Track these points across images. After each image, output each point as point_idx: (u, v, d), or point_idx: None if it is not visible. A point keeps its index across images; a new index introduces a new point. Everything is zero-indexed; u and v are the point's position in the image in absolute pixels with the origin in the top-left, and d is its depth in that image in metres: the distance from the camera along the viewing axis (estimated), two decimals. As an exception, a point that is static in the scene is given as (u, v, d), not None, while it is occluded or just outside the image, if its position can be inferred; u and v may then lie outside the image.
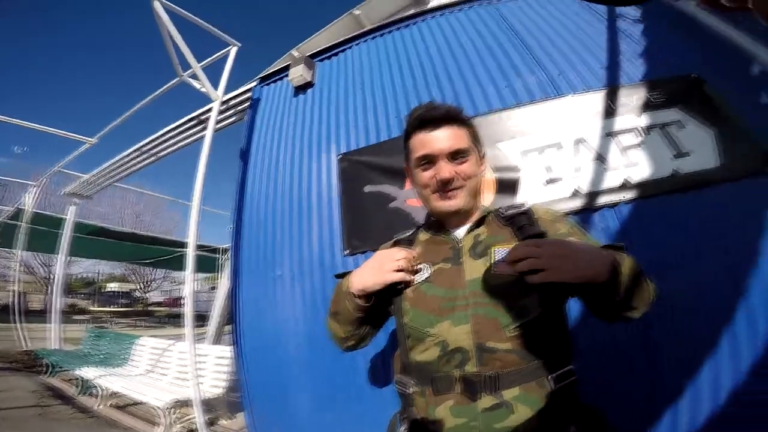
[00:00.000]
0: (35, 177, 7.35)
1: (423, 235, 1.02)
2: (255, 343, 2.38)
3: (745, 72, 1.88)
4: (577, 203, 1.76)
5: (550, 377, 0.78)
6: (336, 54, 2.86)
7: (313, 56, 2.88)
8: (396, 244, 1.04)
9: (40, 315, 6.27)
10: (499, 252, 0.86)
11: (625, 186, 1.73)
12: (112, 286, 30.25)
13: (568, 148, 1.87)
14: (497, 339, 0.79)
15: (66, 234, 6.22)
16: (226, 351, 3.53)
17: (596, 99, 1.92)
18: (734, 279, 1.50)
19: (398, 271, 0.89)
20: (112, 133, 5.19)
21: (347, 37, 2.85)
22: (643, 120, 1.82)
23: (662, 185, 1.69)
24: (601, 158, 1.81)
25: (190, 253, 2.58)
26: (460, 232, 0.95)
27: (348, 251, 2.09)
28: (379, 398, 1.90)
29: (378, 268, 0.91)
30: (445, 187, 0.89)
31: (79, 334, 5.93)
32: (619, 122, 1.85)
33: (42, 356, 5.10)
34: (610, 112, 1.87)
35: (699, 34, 1.98)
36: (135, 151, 4.78)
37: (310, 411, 2.09)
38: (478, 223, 0.95)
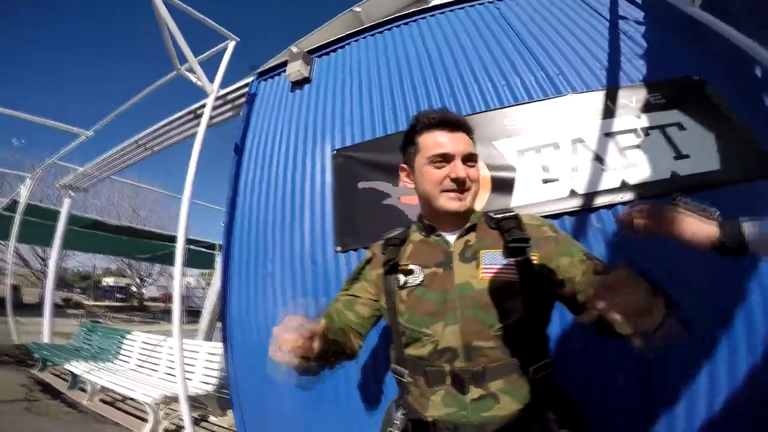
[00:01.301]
0: (30, 169, 7.30)
1: (415, 235, 1.04)
2: (244, 340, 2.35)
3: (747, 74, 1.85)
4: (574, 203, 1.73)
5: (530, 369, 0.85)
6: (335, 50, 2.83)
7: (311, 52, 2.85)
8: (387, 242, 1.07)
9: (35, 309, 6.17)
10: (487, 256, 0.92)
11: (623, 187, 1.70)
12: (108, 281, 30.09)
13: (566, 148, 1.84)
14: (483, 338, 0.86)
15: (60, 226, 6.14)
16: (218, 347, 3.49)
17: (595, 99, 1.89)
18: (733, 282, 1.47)
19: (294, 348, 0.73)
20: (108, 126, 5.14)
21: (346, 33, 2.82)
22: (643, 121, 1.80)
23: (661, 187, 1.66)
24: (599, 158, 1.78)
25: (180, 247, 2.54)
26: (452, 236, 0.98)
27: (340, 248, 2.05)
28: (367, 397, 1.87)
29: (273, 350, 0.75)
30: (459, 186, 0.92)
31: (74, 328, 5.84)
32: (618, 123, 1.82)
33: (33, 350, 5.03)
34: (609, 112, 1.85)
35: (700, 37, 1.95)
36: (131, 144, 4.72)
37: (298, 410, 2.06)
38: (469, 230, 0.98)
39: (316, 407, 1.97)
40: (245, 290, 2.38)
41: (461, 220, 0.99)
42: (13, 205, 7.12)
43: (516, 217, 0.99)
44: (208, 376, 3.47)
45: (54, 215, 6.58)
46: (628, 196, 1.68)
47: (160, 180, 25.96)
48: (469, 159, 0.94)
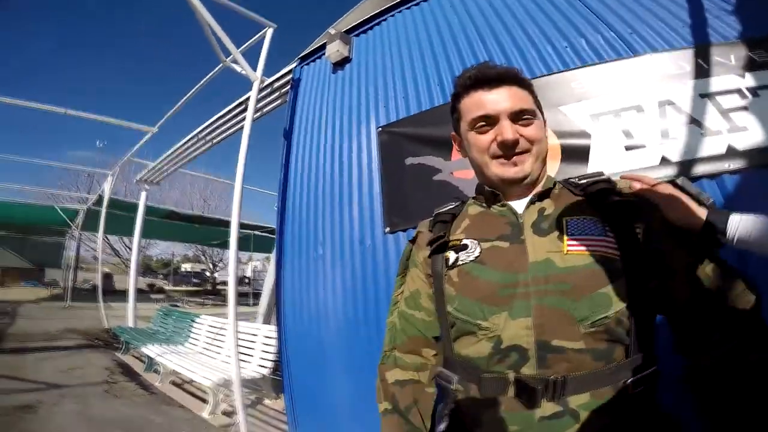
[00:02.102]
0: (112, 167, 8.15)
1: (473, 208, 0.86)
2: (296, 324, 2.37)
3: None
4: (668, 172, 1.44)
5: (629, 381, 0.64)
6: (372, 27, 2.69)
7: (349, 32, 2.75)
8: (436, 218, 0.89)
9: (124, 295, 6.88)
10: (574, 223, 0.71)
11: (730, 153, 1.40)
12: (186, 267, 33.03)
13: (652, 111, 1.55)
14: (567, 336, 0.65)
15: (139, 217, 6.74)
16: (275, 330, 3.56)
17: (682, 57, 1.57)
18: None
19: None
20: (170, 123, 5.53)
21: (382, 8, 2.66)
22: (749, 80, 1.46)
23: None
24: (696, 122, 1.48)
25: (234, 232, 2.60)
26: (520, 205, 0.79)
27: (388, 229, 1.97)
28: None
29: None
30: (508, 151, 0.75)
31: (153, 312, 6.40)
32: (717, 83, 1.49)
33: (118, 334, 5.56)
34: (702, 71, 1.52)
35: None
36: (192, 138, 5.02)
37: (347, 398, 2.01)
38: (543, 196, 0.79)
39: (365, 397, 1.90)
40: (297, 274, 2.39)
41: (529, 187, 0.80)
42: (99, 201, 8.01)
43: (609, 181, 0.79)
44: (265, 359, 3.55)
45: (134, 208, 7.27)
46: (737, 163, 1.38)
47: (225, 170, 27.84)
48: (521, 116, 0.75)
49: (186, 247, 25.23)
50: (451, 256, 0.78)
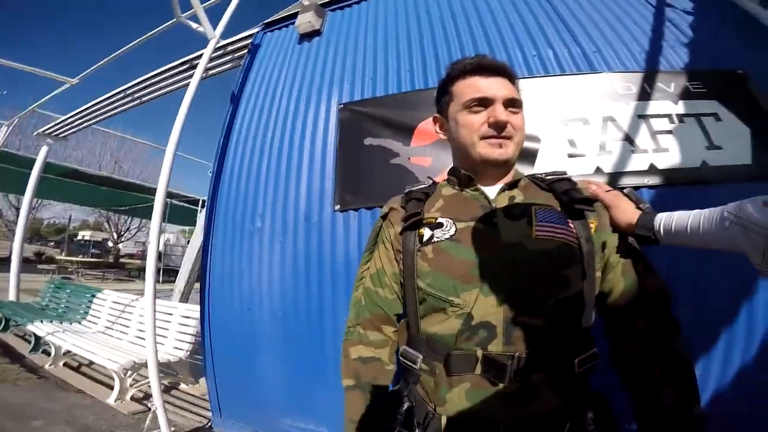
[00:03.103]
0: (10, 116, 6.87)
1: (446, 190, 0.89)
2: (224, 305, 2.17)
3: None
4: (599, 181, 1.60)
5: (576, 360, 0.71)
6: (350, 5, 2.63)
7: (324, 6, 2.65)
8: (409, 196, 0.90)
9: (5, 263, 5.81)
10: (541, 213, 0.78)
11: (651, 170, 1.61)
12: (85, 235, 28.93)
13: (596, 125, 1.72)
14: (531, 314, 0.70)
15: (34, 173, 5.77)
16: (194, 310, 3.28)
17: (632, 80, 1.78)
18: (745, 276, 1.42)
19: None
20: (98, 77, 4.80)
21: None
22: (680, 108, 1.70)
23: (690, 174, 1.59)
24: (629, 139, 1.68)
25: (159, 199, 2.31)
26: (492, 191, 0.84)
27: (339, 206, 1.89)
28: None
29: None
30: (499, 131, 0.80)
31: (44, 285, 5.50)
32: (654, 106, 1.72)
33: (-6, 309, 4.69)
34: (645, 95, 1.75)
35: (749, 30, 1.86)
36: (118, 93, 4.41)
37: (278, 385, 1.92)
38: (512, 185, 0.85)
39: (303, 380, 1.84)
40: (229, 248, 2.19)
41: (502, 173, 0.86)
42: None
43: (571, 180, 0.87)
44: (181, 341, 3.25)
45: (30, 163, 6.18)
46: (655, 179, 1.60)
47: (147, 133, 25.20)
48: (512, 104, 0.81)
49: (86, 212, 22.15)
50: (426, 232, 0.79)
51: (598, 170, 1.64)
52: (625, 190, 0.89)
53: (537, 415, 0.68)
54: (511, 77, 0.85)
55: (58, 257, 17.86)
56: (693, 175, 1.58)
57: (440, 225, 0.79)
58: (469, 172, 0.84)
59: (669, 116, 1.69)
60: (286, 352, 1.92)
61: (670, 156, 1.62)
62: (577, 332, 0.73)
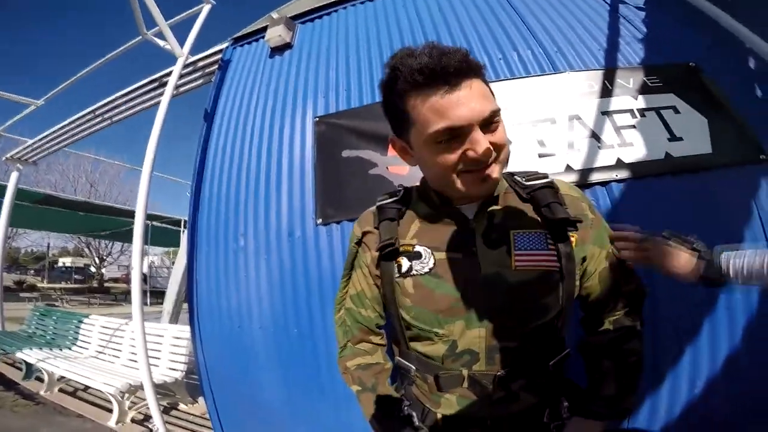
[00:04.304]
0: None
1: (421, 207, 0.83)
2: (214, 325, 2.15)
3: (742, 64, 1.88)
4: (570, 179, 1.66)
5: (550, 364, 0.78)
6: (320, 17, 2.63)
7: (294, 18, 2.65)
8: (380, 213, 0.85)
9: None
10: (520, 238, 0.76)
11: (618, 165, 1.68)
12: (65, 261, 28.27)
13: (563, 124, 1.78)
14: (510, 339, 0.75)
15: (6, 201, 5.61)
16: (185, 330, 3.27)
17: (593, 78, 1.85)
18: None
19: None
20: (63, 97, 4.69)
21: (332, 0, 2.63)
22: (640, 102, 1.78)
23: (655, 167, 1.66)
24: (595, 136, 1.74)
25: (139, 221, 2.29)
26: (470, 209, 0.78)
27: (321, 220, 1.90)
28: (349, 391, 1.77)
29: None
30: (480, 166, 0.66)
31: (28, 313, 5.41)
32: (616, 102, 1.79)
33: (-21, 338, 4.56)
34: (606, 91, 1.81)
35: (699, 24, 1.95)
36: (87, 113, 4.28)
37: (280, 396, 1.92)
38: (492, 201, 0.80)
39: (301, 393, 1.86)
40: (214, 267, 2.17)
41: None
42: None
43: (552, 187, 0.81)
44: (176, 362, 3.25)
45: (1, 190, 6.01)
46: (623, 173, 1.66)
47: (123, 154, 24.61)
48: (491, 119, 0.65)
49: (64, 238, 21.60)
50: (404, 263, 0.77)
51: (569, 168, 1.69)
52: (664, 233, 0.84)
53: (518, 412, 0.77)
54: (477, 71, 0.66)
55: (39, 285, 17.35)
56: (659, 167, 1.65)
57: (418, 255, 0.77)
58: (444, 192, 0.77)
59: (631, 111, 1.76)
60: (281, 366, 1.92)
61: (635, 150, 1.69)
62: (553, 343, 0.79)
